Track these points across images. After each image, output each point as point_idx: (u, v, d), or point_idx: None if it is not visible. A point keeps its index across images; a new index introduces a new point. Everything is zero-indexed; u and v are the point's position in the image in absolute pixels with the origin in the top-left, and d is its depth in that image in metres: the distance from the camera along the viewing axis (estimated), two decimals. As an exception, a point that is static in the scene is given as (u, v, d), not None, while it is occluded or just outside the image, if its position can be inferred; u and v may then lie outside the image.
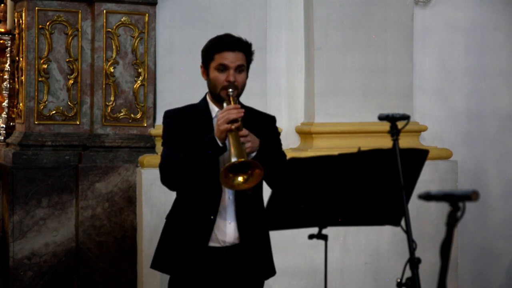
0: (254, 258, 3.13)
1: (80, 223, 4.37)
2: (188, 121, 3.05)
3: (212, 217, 3.02)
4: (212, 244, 3.05)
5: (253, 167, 2.80)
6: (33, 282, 4.35)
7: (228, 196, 3.04)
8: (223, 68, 2.99)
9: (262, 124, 3.10)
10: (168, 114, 3.14)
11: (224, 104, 2.98)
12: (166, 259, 3.12)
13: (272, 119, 3.22)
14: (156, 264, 3.17)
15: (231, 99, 2.97)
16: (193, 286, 3.07)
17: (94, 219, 4.39)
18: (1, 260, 4.55)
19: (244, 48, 3.05)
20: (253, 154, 2.93)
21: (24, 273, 4.33)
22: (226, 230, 3.05)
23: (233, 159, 2.77)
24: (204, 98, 3.14)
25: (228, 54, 2.99)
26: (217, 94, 3.03)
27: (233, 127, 2.86)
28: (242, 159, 2.77)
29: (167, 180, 3.03)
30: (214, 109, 3.09)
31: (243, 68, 3.03)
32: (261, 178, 2.82)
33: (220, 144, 2.89)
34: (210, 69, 3.03)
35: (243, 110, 2.90)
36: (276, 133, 3.20)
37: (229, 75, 2.98)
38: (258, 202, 3.11)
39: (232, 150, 2.81)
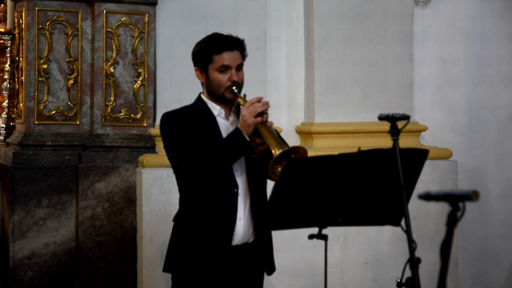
0: (263, 254, 3.14)
1: (80, 223, 4.37)
2: (189, 122, 3.03)
3: (233, 213, 3.01)
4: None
5: (296, 151, 2.82)
6: (33, 282, 4.35)
7: (238, 192, 3.03)
8: (224, 69, 2.99)
9: None
10: (168, 116, 3.10)
11: (240, 100, 2.98)
12: (182, 261, 3.07)
13: None
14: (171, 267, 3.12)
15: (238, 96, 2.99)
16: (204, 283, 3.05)
17: (94, 219, 4.39)
18: (1, 260, 4.56)
19: (240, 46, 3.05)
20: None
21: (24, 273, 4.33)
22: (237, 227, 3.03)
23: (278, 151, 2.78)
24: (200, 99, 3.11)
25: (227, 54, 2.99)
26: (220, 95, 3.02)
27: (264, 119, 2.88)
28: (287, 148, 2.80)
29: (189, 178, 2.98)
30: (215, 107, 3.07)
31: (242, 66, 3.05)
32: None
33: (248, 139, 2.89)
34: (209, 71, 3.02)
35: (267, 101, 2.92)
36: None
37: (232, 75, 2.99)
38: (265, 198, 3.11)
39: (270, 141, 2.83)
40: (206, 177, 2.96)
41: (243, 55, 3.06)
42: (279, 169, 2.80)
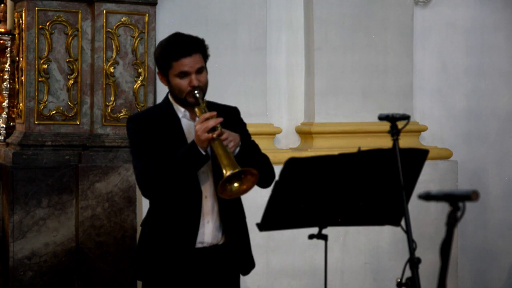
0: (236, 256, 3.11)
1: (80, 223, 4.37)
2: (154, 124, 3.01)
3: (197, 217, 2.99)
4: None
5: (247, 173, 2.78)
6: (33, 282, 4.35)
7: (204, 195, 3.02)
8: (183, 74, 2.96)
9: (229, 117, 3.04)
10: (132, 120, 3.09)
11: (196, 110, 2.94)
12: (148, 266, 3.06)
13: (236, 111, 3.18)
14: (137, 273, 3.11)
15: (200, 101, 2.95)
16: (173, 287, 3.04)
17: (94, 219, 4.39)
18: (1, 260, 4.55)
19: (199, 48, 2.99)
20: (237, 150, 2.92)
21: (24, 273, 4.33)
22: (205, 230, 3.02)
23: (229, 172, 2.73)
24: (167, 98, 3.10)
25: (186, 60, 2.94)
26: (183, 99, 3.00)
27: (214, 135, 2.83)
28: (237, 170, 2.74)
29: (148, 191, 2.98)
30: (179, 109, 3.05)
31: (203, 68, 3.00)
32: (256, 178, 2.80)
33: (203, 153, 2.87)
34: (170, 77, 2.99)
35: (221, 119, 2.86)
36: (243, 124, 3.17)
37: (192, 80, 2.95)
38: (236, 200, 3.09)
39: (222, 160, 2.78)
40: (165, 187, 2.94)
41: (205, 56, 3.01)
42: (229, 187, 2.78)
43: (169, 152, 2.93)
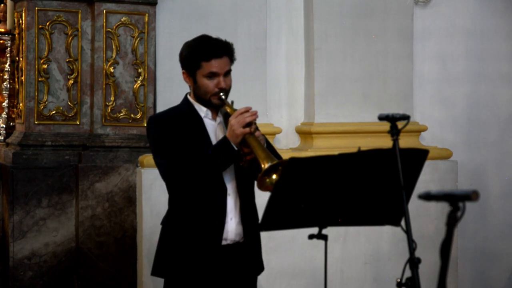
0: (253, 255, 3.15)
1: (80, 223, 4.37)
2: (176, 124, 3.02)
3: (222, 213, 3.02)
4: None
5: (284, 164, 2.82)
6: (33, 282, 4.35)
7: (228, 192, 3.05)
8: (212, 75, 2.98)
9: None
10: (155, 120, 3.11)
11: (227, 108, 2.98)
12: (172, 263, 3.07)
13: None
14: (160, 271, 3.12)
15: (226, 103, 2.99)
16: (197, 284, 3.05)
17: (94, 219, 4.39)
18: (1, 260, 4.56)
19: (229, 52, 3.04)
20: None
21: (24, 273, 4.33)
22: (229, 227, 3.05)
23: (267, 164, 2.78)
24: (186, 100, 3.11)
25: (216, 62, 2.98)
26: (207, 100, 3.02)
27: (252, 130, 2.87)
28: (275, 161, 2.80)
29: (176, 186, 3.00)
30: (201, 109, 3.07)
31: (230, 71, 3.05)
32: None
33: (236, 149, 2.90)
34: (197, 76, 3.01)
35: (256, 111, 2.91)
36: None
37: (220, 82, 2.98)
38: (253, 199, 3.14)
39: (259, 153, 2.83)
40: (193, 184, 2.97)
41: (231, 60, 3.06)
42: (268, 180, 2.82)
43: (193, 149, 2.95)
